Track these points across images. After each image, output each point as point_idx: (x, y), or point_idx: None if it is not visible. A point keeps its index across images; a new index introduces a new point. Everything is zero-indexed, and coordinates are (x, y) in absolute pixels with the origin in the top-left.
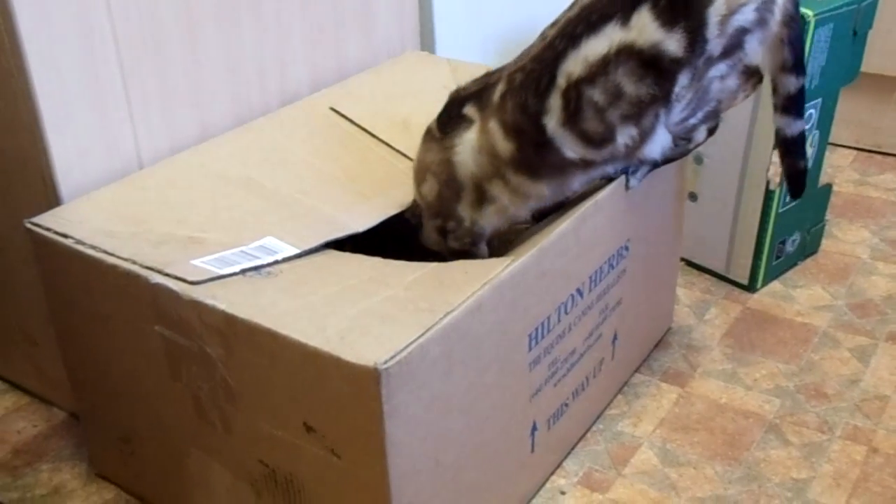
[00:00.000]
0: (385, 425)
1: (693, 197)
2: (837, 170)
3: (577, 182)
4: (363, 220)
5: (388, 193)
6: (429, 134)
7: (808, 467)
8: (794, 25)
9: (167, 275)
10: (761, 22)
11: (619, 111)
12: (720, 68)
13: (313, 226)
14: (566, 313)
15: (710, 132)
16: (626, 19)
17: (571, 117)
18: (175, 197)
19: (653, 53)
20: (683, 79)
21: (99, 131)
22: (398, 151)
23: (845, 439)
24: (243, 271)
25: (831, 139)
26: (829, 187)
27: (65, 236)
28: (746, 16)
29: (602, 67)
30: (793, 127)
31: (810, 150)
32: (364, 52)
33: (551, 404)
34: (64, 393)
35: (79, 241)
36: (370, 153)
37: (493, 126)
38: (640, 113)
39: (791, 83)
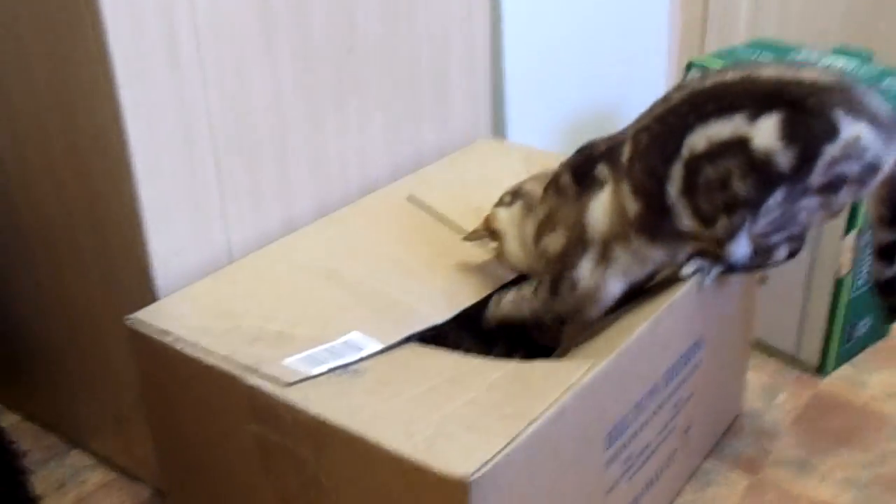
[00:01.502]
0: None
1: (763, 280)
2: None
3: (682, 254)
4: (443, 312)
5: (465, 282)
6: (561, 187)
7: None
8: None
9: (262, 375)
10: (860, 180)
11: (722, 198)
12: (812, 201)
13: (395, 318)
14: (642, 411)
15: (792, 254)
16: (755, 117)
17: (689, 189)
18: (264, 291)
19: (763, 159)
20: (779, 195)
21: (194, 228)
22: None
23: None
24: (332, 370)
25: None
26: None
27: (165, 333)
28: (851, 167)
29: (721, 150)
30: (887, 272)
31: None
32: (440, 139)
33: (625, 498)
34: (150, 470)
35: (178, 339)
36: (448, 242)
37: (625, 187)
38: (733, 207)
39: (887, 236)
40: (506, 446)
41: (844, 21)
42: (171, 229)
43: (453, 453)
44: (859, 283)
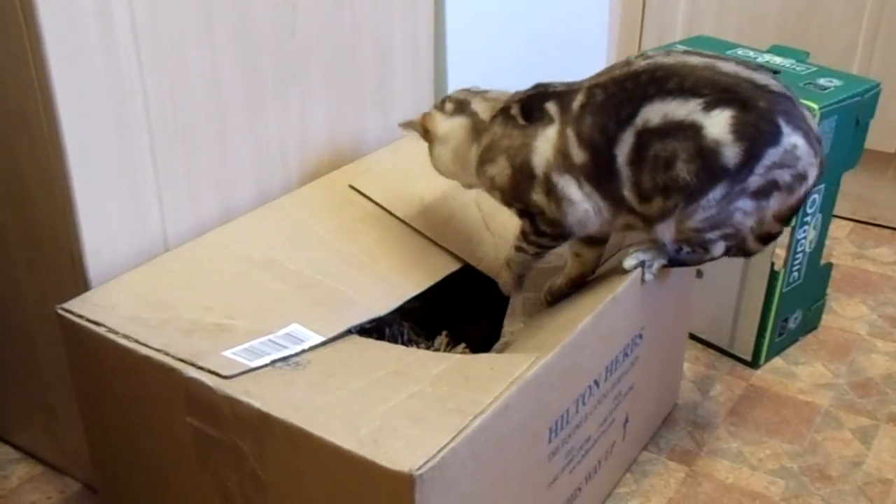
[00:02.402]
0: None
1: (699, 274)
2: (835, 241)
3: (621, 221)
4: (384, 303)
5: (407, 274)
6: (509, 118)
7: None
8: (803, 200)
9: (200, 368)
10: (789, 188)
11: (664, 178)
12: (747, 204)
13: (336, 310)
14: (583, 404)
15: (728, 251)
16: (710, 107)
17: (636, 160)
18: (201, 280)
19: (712, 148)
20: (719, 191)
21: (128, 215)
22: (415, 230)
23: None
24: (273, 362)
25: None
26: (830, 266)
27: (97, 324)
28: (784, 175)
29: (673, 130)
30: (755, 247)
31: (813, 233)
32: (382, 128)
33: (566, 490)
34: (79, 463)
35: (111, 330)
36: (389, 232)
37: (571, 134)
38: (671, 191)
39: (774, 227)
40: (451, 440)
41: (780, 20)
42: (105, 216)
43: (399, 449)
44: (792, 277)
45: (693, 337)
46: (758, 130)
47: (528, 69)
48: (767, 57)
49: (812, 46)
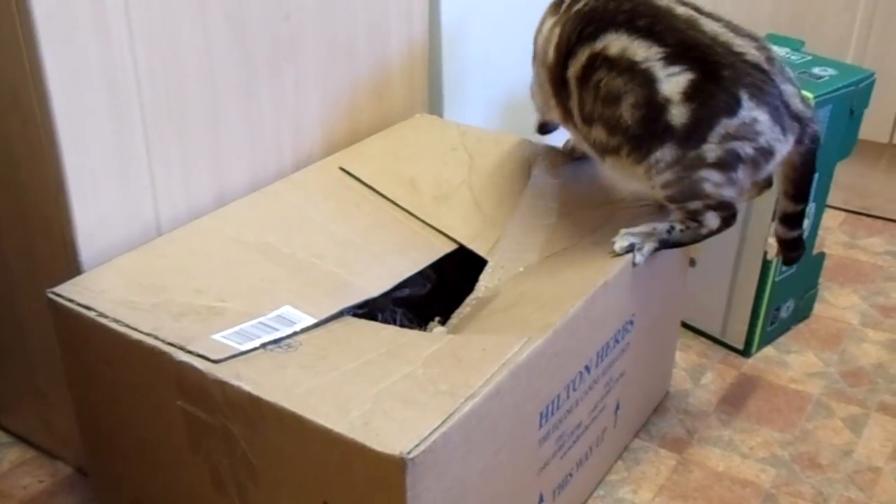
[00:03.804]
0: None
1: (693, 262)
2: (827, 231)
3: (571, 133)
4: (378, 284)
5: (401, 254)
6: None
7: None
8: (801, 168)
9: (190, 352)
10: (755, 162)
11: (608, 112)
12: (713, 175)
13: (329, 292)
14: (574, 390)
15: (725, 221)
16: (670, 63)
17: (582, 79)
18: (193, 264)
19: (660, 102)
20: (667, 152)
21: (121, 199)
22: (407, 211)
23: None
24: (264, 345)
25: None
26: (822, 255)
27: (88, 308)
28: (745, 148)
29: (626, 67)
30: (789, 234)
31: (806, 222)
32: (376, 116)
33: (557, 476)
34: (71, 448)
35: (101, 314)
36: (381, 214)
37: (556, 32)
38: (614, 130)
39: (789, 206)
40: (442, 423)
41: (776, 8)
42: (97, 200)
43: (390, 432)
44: (784, 266)
45: (685, 325)
46: (712, 99)
47: (524, 48)
48: None
49: (807, 35)
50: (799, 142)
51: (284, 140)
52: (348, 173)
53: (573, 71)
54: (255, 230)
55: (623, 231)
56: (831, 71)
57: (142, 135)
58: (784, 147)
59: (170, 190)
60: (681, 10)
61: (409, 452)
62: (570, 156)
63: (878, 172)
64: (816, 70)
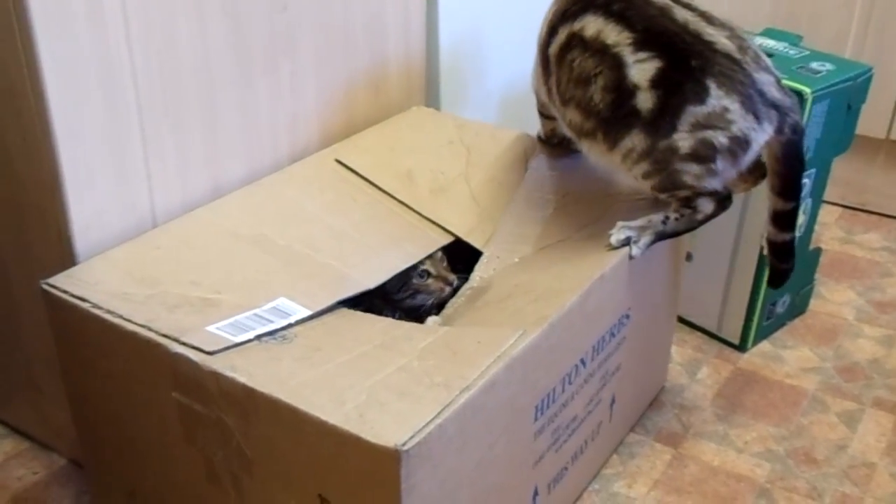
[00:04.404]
0: (402, 503)
1: (689, 257)
2: (824, 227)
3: (556, 115)
4: (373, 276)
5: (397, 246)
6: None
7: None
8: (784, 161)
9: (185, 344)
10: (731, 151)
11: (580, 94)
12: (692, 167)
13: (324, 284)
14: (570, 383)
15: (720, 204)
16: (637, 48)
17: (559, 57)
18: (188, 256)
19: (629, 86)
20: (636, 138)
21: (117, 190)
22: (403, 203)
23: None
24: (258, 337)
25: None
26: (819, 251)
27: (82, 300)
28: (718, 137)
29: (599, 50)
30: (779, 236)
31: (802, 218)
32: (373, 108)
33: (552, 469)
34: (65, 440)
35: (95, 305)
36: (378, 206)
37: (553, 8)
38: (587, 113)
39: (779, 203)
40: (437, 416)
41: (774, 3)
42: (92, 191)
43: (385, 423)
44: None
45: (681, 320)
46: (679, 88)
47: (521, 42)
48: (760, 40)
49: (805, 30)
50: (779, 131)
51: (280, 132)
52: (345, 165)
53: (553, 49)
54: (250, 222)
55: (620, 224)
56: (829, 66)
57: (137, 126)
58: (761, 136)
59: (165, 182)
60: None
61: (403, 444)
62: (547, 143)
63: (876, 168)
64: (814, 65)
